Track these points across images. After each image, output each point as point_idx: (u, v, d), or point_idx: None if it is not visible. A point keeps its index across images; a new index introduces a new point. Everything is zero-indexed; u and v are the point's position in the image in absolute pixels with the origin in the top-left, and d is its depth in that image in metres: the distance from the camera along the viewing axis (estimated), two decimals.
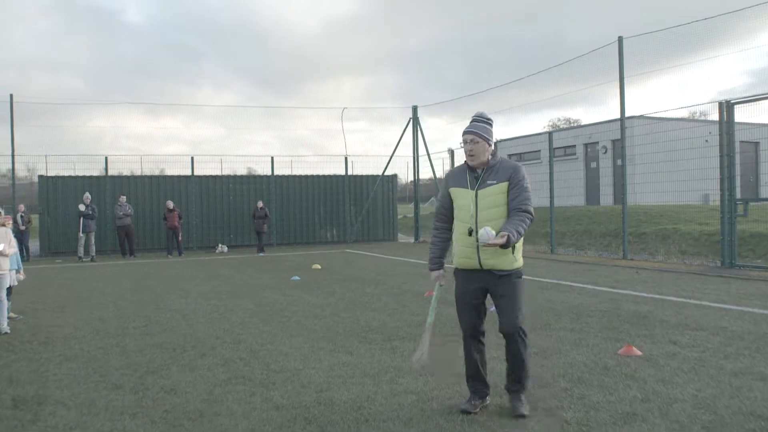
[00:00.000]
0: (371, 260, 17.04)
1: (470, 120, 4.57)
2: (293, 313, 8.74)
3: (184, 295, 10.84)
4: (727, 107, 12.38)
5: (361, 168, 24.48)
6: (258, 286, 11.87)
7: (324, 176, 23.94)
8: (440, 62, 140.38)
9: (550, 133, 18.03)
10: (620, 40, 14.66)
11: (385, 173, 24.54)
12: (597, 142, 28.07)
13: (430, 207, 36.59)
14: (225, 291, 11.21)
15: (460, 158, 21.31)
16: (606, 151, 28.12)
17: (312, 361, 5.97)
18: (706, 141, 26.52)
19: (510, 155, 32.76)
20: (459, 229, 4.52)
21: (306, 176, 23.64)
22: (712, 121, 23.10)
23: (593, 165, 28.79)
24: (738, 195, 27.81)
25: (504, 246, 4.16)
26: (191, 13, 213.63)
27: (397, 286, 11.37)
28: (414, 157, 24.71)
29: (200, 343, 6.92)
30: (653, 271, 12.55)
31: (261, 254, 19.68)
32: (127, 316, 8.84)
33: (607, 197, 27.88)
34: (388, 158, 24.24)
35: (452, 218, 4.62)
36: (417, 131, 24.37)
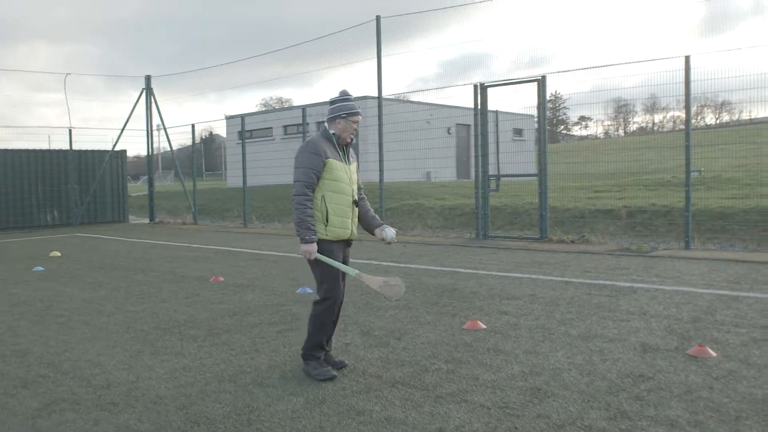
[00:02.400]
0: (115, 244, 15.22)
1: (343, 100, 4.58)
2: (67, 311, 7.29)
3: None
4: (481, 89, 13.27)
5: (62, 143, 21.60)
6: None
7: (43, 151, 20.77)
8: (148, 36, 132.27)
9: (303, 108, 17.76)
10: (378, 19, 14.88)
11: (115, 148, 22.18)
12: None
13: (143, 187, 33.76)
14: None
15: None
16: None
17: (141, 369, 4.95)
18: (428, 122, 28.68)
19: (241, 131, 31.96)
20: (341, 201, 4.55)
21: (20, 150, 20.24)
22: (451, 106, 24.90)
23: None
24: (455, 174, 30.25)
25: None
26: None
27: (170, 272, 10.23)
28: (147, 131, 22.70)
29: None
30: (419, 245, 13.05)
31: None
32: None
33: None
34: (119, 132, 21.94)
35: None
36: (150, 103, 22.38)
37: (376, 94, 15.93)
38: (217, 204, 25.11)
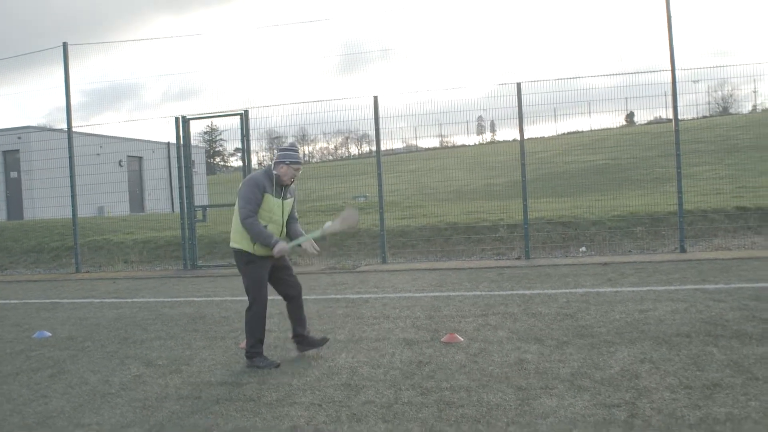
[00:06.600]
0: None
1: (290, 150, 5.54)
2: None
3: None
4: (183, 122, 13.43)
5: None
6: None
7: None
8: None
9: None
10: (65, 45, 14.05)
11: None
12: None
13: None
14: None
15: None
16: None
17: None
18: (98, 154, 27.39)
19: None
20: (271, 228, 5.49)
21: None
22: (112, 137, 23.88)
23: None
24: (128, 208, 29.35)
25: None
26: None
27: None
28: None
29: None
30: (129, 280, 12.65)
31: None
32: None
33: None
34: None
35: None
36: None
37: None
38: None
